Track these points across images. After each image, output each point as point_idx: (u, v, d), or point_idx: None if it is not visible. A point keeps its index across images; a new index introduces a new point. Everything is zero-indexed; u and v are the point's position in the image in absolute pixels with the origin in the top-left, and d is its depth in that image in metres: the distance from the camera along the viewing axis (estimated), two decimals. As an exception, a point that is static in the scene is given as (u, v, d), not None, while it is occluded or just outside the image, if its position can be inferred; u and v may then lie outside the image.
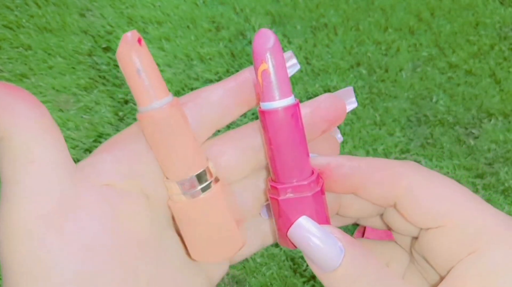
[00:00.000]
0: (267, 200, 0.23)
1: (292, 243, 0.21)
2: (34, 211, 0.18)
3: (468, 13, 0.87)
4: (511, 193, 0.70)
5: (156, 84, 0.19)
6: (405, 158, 0.74)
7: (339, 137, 0.25)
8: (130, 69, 0.19)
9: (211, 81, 0.79)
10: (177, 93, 0.77)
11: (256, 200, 0.23)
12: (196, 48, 0.81)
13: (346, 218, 0.24)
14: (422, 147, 0.74)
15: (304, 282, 0.64)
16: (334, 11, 0.86)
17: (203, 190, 0.20)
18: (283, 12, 0.86)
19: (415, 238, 0.22)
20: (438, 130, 0.76)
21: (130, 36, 0.19)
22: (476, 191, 0.70)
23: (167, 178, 0.20)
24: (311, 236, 0.20)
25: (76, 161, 0.19)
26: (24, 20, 0.82)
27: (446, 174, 0.72)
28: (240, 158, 0.22)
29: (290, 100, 0.20)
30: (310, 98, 0.82)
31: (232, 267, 0.64)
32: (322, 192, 0.21)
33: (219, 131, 0.23)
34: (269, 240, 0.24)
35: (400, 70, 0.81)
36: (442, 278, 0.20)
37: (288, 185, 0.21)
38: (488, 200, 0.70)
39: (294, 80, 0.79)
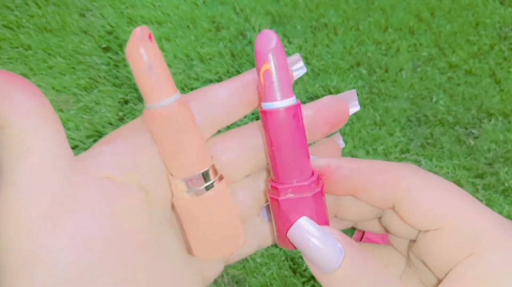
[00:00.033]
0: (267, 201, 0.23)
1: (291, 244, 0.21)
2: (30, 204, 0.18)
3: (468, 13, 0.87)
4: (511, 193, 0.70)
5: (165, 81, 0.19)
6: (405, 158, 0.74)
7: (341, 143, 0.25)
8: (140, 65, 0.18)
9: (211, 81, 0.79)
10: (177, 93, 0.77)
11: (255, 200, 0.23)
12: (196, 48, 0.81)
13: (344, 221, 0.24)
14: (422, 147, 0.74)
15: (304, 282, 0.64)
16: (334, 11, 0.86)
17: (208, 188, 0.20)
18: (283, 12, 0.86)
19: (413, 241, 0.22)
20: (438, 130, 0.76)
21: (140, 31, 0.18)
22: (476, 191, 0.70)
23: (171, 175, 0.20)
24: (311, 236, 0.20)
25: (76, 160, 0.19)
26: (24, 20, 0.82)
27: (446, 174, 0.72)
28: (241, 157, 0.22)
29: (291, 100, 0.20)
30: (310, 98, 0.81)
31: (232, 267, 0.64)
32: (322, 193, 0.21)
33: (219, 131, 0.23)
34: (267, 242, 0.24)
35: (400, 70, 0.81)
36: (439, 281, 0.20)
37: (288, 185, 0.21)
38: (488, 200, 0.70)
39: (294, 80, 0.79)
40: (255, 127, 0.22)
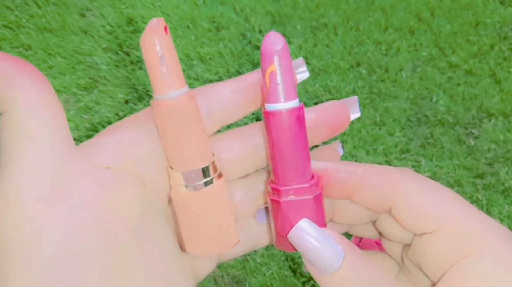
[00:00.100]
0: (265, 203, 0.23)
1: (290, 246, 0.21)
2: (29, 188, 0.18)
3: (468, 13, 0.87)
4: (511, 193, 0.70)
5: (175, 74, 0.19)
6: (405, 158, 0.74)
7: (340, 150, 0.25)
8: (153, 56, 0.19)
9: (211, 81, 0.79)
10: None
11: (251, 201, 0.23)
12: (196, 48, 0.81)
13: (339, 225, 0.25)
14: (422, 147, 0.74)
15: (304, 282, 0.64)
16: (334, 11, 0.86)
17: (206, 184, 0.20)
18: (283, 12, 0.86)
19: (407, 246, 0.22)
20: (438, 130, 0.76)
21: (156, 22, 0.19)
22: (476, 191, 0.70)
23: (171, 168, 0.20)
24: (312, 238, 0.20)
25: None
26: (24, 20, 0.82)
27: (446, 174, 0.72)
28: (241, 156, 0.22)
29: (295, 103, 0.21)
30: (310, 98, 0.81)
31: (232, 267, 0.64)
32: (322, 195, 0.22)
33: (219, 131, 0.23)
34: (260, 243, 0.24)
35: (400, 70, 0.81)
36: (433, 285, 0.20)
37: (289, 187, 0.21)
38: (488, 200, 0.70)
39: (294, 80, 0.79)
40: (257, 127, 0.23)
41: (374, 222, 0.24)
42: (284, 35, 0.83)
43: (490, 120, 0.77)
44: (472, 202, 0.69)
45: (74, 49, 0.80)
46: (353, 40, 0.83)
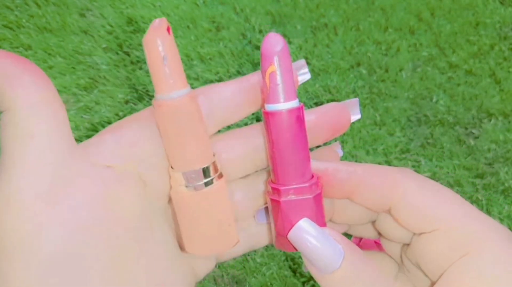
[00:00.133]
0: (265, 204, 0.23)
1: (290, 246, 0.21)
2: (29, 186, 0.18)
3: (468, 13, 0.87)
4: (511, 193, 0.70)
5: (177, 74, 0.19)
6: (405, 158, 0.74)
7: (340, 151, 0.25)
8: (155, 56, 0.19)
9: (211, 81, 0.79)
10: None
11: (251, 201, 0.23)
12: (196, 48, 0.81)
13: (339, 225, 0.25)
14: (422, 147, 0.74)
15: (304, 282, 0.64)
16: (334, 11, 0.86)
17: (207, 184, 0.20)
18: (283, 12, 0.86)
19: (406, 245, 0.22)
20: (438, 130, 0.76)
21: (158, 23, 0.19)
22: (476, 191, 0.70)
23: (172, 168, 0.21)
24: (312, 237, 0.20)
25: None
26: (24, 20, 0.82)
27: (446, 174, 0.72)
28: (241, 157, 0.22)
29: (294, 103, 0.21)
30: (310, 98, 0.81)
31: (232, 267, 0.64)
32: (322, 195, 0.22)
33: (219, 131, 0.23)
34: (260, 243, 0.24)
35: (400, 70, 0.81)
36: (433, 284, 0.20)
37: (289, 187, 0.21)
38: (488, 200, 0.70)
39: (294, 80, 0.79)
40: (257, 128, 0.23)
41: (373, 222, 0.24)
42: (284, 35, 0.83)
43: (490, 120, 0.77)
44: (472, 202, 0.69)
45: (74, 49, 0.80)
46: (353, 40, 0.83)
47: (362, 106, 0.77)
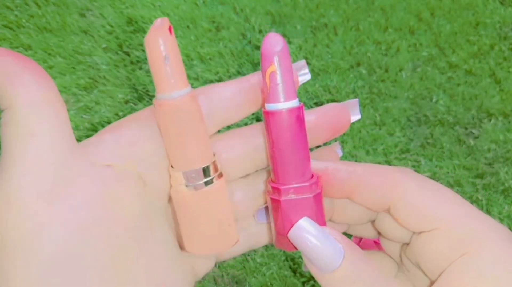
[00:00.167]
0: (265, 203, 0.23)
1: (291, 245, 0.21)
2: (30, 185, 0.18)
3: (468, 13, 0.87)
4: (511, 193, 0.70)
5: (178, 74, 0.19)
6: (405, 158, 0.74)
7: (339, 151, 0.25)
8: (157, 56, 0.19)
9: (211, 81, 0.79)
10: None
11: (251, 201, 0.23)
12: (196, 48, 0.81)
13: (338, 225, 0.25)
14: (422, 147, 0.74)
15: (304, 282, 0.64)
16: (334, 11, 0.86)
17: (207, 183, 0.21)
18: (283, 12, 0.86)
19: (406, 244, 0.22)
20: (438, 130, 0.76)
21: (160, 22, 0.19)
22: (476, 191, 0.70)
23: (172, 167, 0.21)
24: (312, 236, 0.20)
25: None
26: (24, 20, 0.82)
27: (446, 174, 0.72)
28: (241, 157, 0.22)
29: (294, 102, 0.21)
30: (310, 98, 0.81)
31: (232, 267, 0.64)
32: (322, 194, 0.22)
33: (219, 131, 0.23)
34: (259, 243, 0.24)
35: (400, 70, 0.81)
36: (432, 283, 0.20)
37: (290, 186, 0.21)
38: (488, 200, 0.70)
39: (294, 80, 0.79)
40: (257, 128, 0.23)
41: (373, 222, 0.24)
42: (284, 35, 0.84)
43: (490, 120, 0.77)
44: (472, 202, 0.69)
45: (74, 49, 0.80)
46: (353, 40, 0.83)
47: (362, 106, 0.77)
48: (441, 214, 0.20)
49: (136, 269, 0.19)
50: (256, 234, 0.24)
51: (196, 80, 0.79)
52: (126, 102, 0.76)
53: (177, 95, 0.19)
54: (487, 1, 0.88)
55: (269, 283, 0.63)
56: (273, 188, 0.22)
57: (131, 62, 0.79)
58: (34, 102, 0.18)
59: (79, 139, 0.20)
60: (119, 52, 0.80)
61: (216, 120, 0.22)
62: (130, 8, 0.85)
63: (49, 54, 0.79)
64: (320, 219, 0.21)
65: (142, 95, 0.77)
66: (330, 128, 0.23)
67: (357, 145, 0.74)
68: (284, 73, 0.21)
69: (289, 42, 0.83)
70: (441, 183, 0.21)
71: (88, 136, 0.20)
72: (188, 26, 0.83)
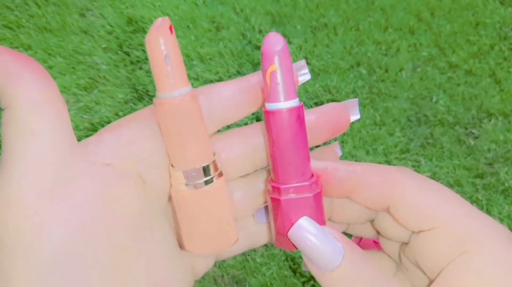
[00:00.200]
0: (264, 203, 0.23)
1: (291, 244, 0.21)
2: (31, 184, 0.18)
3: (468, 13, 0.87)
4: (511, 193, 0.70)
5: (179, 73, 0.19)
6: (405, 158, 0.74)
7: (339, 151, 0.25)
8: (157, 55, 0.19)
9: (211, 81, 0.79)
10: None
11: (251, 200, 0.23)
12: (196, 48, 0.81)
13: (338, 224, 0.25)
14: (422, 147, 0.74)
15: (304, 282, 0.64)
16: (334, 11, 0.86)
17: (207, 182, 0.21)
18: (283, 12, 0.86)
19: (405, 244, 0.22)
20: (438, 130, 0.76)
21: (161, 22, 0.19)
22: (476, 191, 0.71)
23: (172, 166, 0.21)
24: (312, 236, 0.20)
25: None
26: (24, 20, 0.82)
27: (446, 174, 0.72)
28: (241, 156, 0.22)
29: (294, 102, 0.21)
30: (310, 98, 0.81)
31: (232, 267, 0.64)
32: (321, 194, 0.22)
33: (218, 130, 0.23)
34: (259, 242, 0.24)
35: (400, 70, 0.81)
36: (431, 282, 0.20)
37: (290, 186, 0.21)
38: (488, 200, 0.70)
39: (294, 80, 0.79)
40: (257, 128, 0.23)
41: (372, 221, 0.24)
42: (284, 35, 0.84)
43: (490, 120, 0.77)
44: (472, 202, 0.69)
45: (74, 49, 0.80)
46: (353, 40, 0.83)
47: (362, 106, 0.77)
48: (440, 213, 0.20)
49: (136, 268, 0.20)
50: (255, 233, 0.24)
51: (196, 80, 0.79)
52: (126, 102, 0.76)
53: (178, 94, 0.19)
54: (487, 1, 0.88)
55: (269, 283, 0.63)
56: (273, 187, 0.22)
57: (131, 62, 0.79)
58: (35, 101, 0.18)
59: (79, 140, 0.20)
60: (119, 52, 0.80)
61: (216, 119, 0.22)
62: (130, 8, 0.85)
63: (49, 54, 0.79)
64: (320, 218, 0.21)
65: (142, 95, 0.77)
66: (330, 128, 0.23)
67: (357, 145, 0.74)
68: (284, 72, 0.21)
69: (289, 42, 0.83)
70: (441, 183, 0.21)
71: (88, 136, 0.20)
72: (188, 26, 0.83)
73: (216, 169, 0.21)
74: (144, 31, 0.83)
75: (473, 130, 0.76)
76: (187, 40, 0.82)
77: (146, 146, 0.20)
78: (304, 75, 0.24)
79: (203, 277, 0.64)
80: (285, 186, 0.21)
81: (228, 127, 0.24)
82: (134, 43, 0.81)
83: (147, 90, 0.77)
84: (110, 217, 0.19)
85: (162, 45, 0.19)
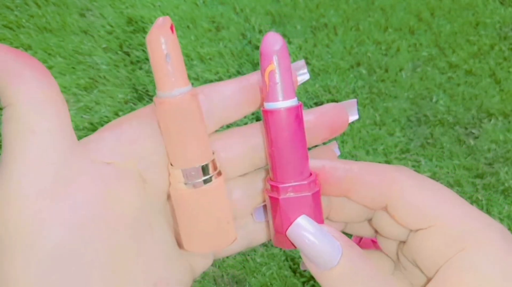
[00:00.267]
0: (263, 202, 0.23)
1: (290, 243, 0.21)
2: (31, 182, 0.18)
3: (468, 13, 0.87)
4: (511, 193, 0.70)
5: (179, 72, 0.19)
6: (405, 158, 0.74)
7: (337, 151, 0.25)
8: (158, 54, 0.19)
9: (211, 81, 0.79)
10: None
11: (249, 200, 0.23)
12: (196, 48, 0.81)
13: (336, 223, 0.25)
14: (422, 147, 0.74)
15: (304, 282, 0.64)
16: (334, 11, 0.86)
17: (206, 181, 0.21)
18: (283, 12, 0.86)
19: (402, 243, 0.22)
20: (438, 130, 0.76)
21: (162, 21, 0.19)
22: (476, 191, 0.70)
23: (171, 165, 0.21)
24: (310, 234, 0.20)
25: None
26: (24, 20, 0.82)
27: (446, 174, 0.72)
28: (240, 156, 0.22)
29: (293, 101, 0.21)
30: (310, 98, 0.81)
31: (232, 267, 0.64)
32: (320, 192, 0.22)
33: (217, 130, 0.23)
34: (257, 241, 0.24)
35: (400, 70, 0.81)
36: (429, 280, 0.20)
37: (288, 185, 0.21)
38: (488, 200, 0.70)
39: (294, 80, 0.79)
40: (256, 127, 0.23)
41: (369, 220, 0.24)
42: (284, 35, 0.84)
43: (490, 120, 0.77)
44: (472, 202, 0.69)
45: (74, 49, 0.80)
46: (353, 40, 0.83)
47: (362, 106, 0.77)
48: (438, 212, 0.20)
49: (135, 268, 0.20)
50: (253, 232, 0.24)
51: (196, 80, 0.79)
52: (126, 102, 0.76)
53: (178, 93, 0.19)
54: (487, 1, 0.88)
55: (269, 283, 0.63)
56: (271, 186, 0.22)
57: (131, 62, 0.79)
58: (35, 100, 0.18)
59: (78, 140, 0.20)
60: (119, 52, 0.80)
61: (215, 119, 0.22)
62: (130, 8, 0.85)
63: (49, 54, 0.79)
64: (318, 217, 0.21)
65: (142, 95, 0.77)
66: (328, 128, 0.23)
67: (357, 145, 0.74)
68: (283, 72, 0.21)
69: (289, 42, 0.83)
70: (441, 183, 0.21)
71: (88, 136, 0.21)
72: (188, 26, 0.83)
73: (215, 168, 0.21)
74: (144, 31, 0.83)
75: (473, 130, 0.76)
76: (187, 40, 0.82)
77: (147, 144, 0.20)
78: (303, 75, 0.24)
79: (203, 277, 0.64)
80: (283, 185, 0.21)
81: (228, 127, 0.24)
82: (134, 43, 0.81)
83: (147, 90, 0.77)
84: (110, 217, 0.19)
85: (163, 45, 0.19)
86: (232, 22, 0.84)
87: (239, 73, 0.80)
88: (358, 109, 0.24)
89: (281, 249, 0.66)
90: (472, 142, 0.75)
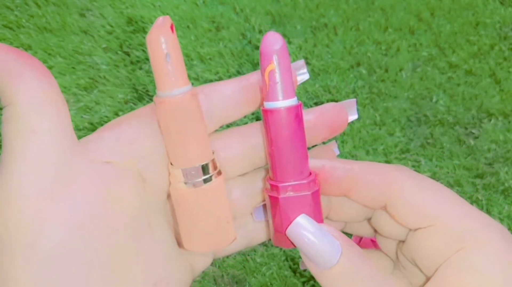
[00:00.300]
0: (262, 201, 0.23)
1: (289, 242, 0.21)
2: (31, 182, 0.18)
3: (468, 13, 0.87)
4: (511, 193, 0.70)
5: (179, 72, 0.20)
6: (405, 158, 0.74)
7: (336, 150, 0.25)
8: (158, 53, 0.19)
9: (211, 81, 0.79)
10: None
11: (249, 199, 0.23)
12: (196, 48, 0.81)
13: (335, 223, 0.25)
14: (422, 147, 0.74)
15: (304, 282, 0.64)
16: (334, 11, 0.86)
17: (206, 181, 0.21)
18: (283, 12, 0.86)
19: (402, 242, 0.22)
20: (438, 130, 0.76)
21: (162, 21, 0.19)
22: (476, 191, 0.70)
23: (171, 164, 0.21)
24: (310, 234, 0.20)
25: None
26: (24, 20, 0.82)
27: (446, 174, 0.72)
28: (240, 155, 0.22)
29: (293, 101, 0.21)
30: (310, 98, 0.81)
31: (232, 267, 0.64)
32: (319, 192, 0.22)
33: (217, 130, 0.23)
34: (257, 240, 0.24)
35: (400, 70, 0.81)
36: (428, 279, 0.20)
37: (288, 184, 0.21)
38: (488, 200, 0.70)
39: (294, 80, 0.79)
40: (256, 127, 0.23)
41: (369, 219, 0.24)
42: (284, 35, 0.84)
43: (490, 120, 0.77)
44: (472, 202, 0.69)
45: (74, 49, 0.80)
46: (353, 40, 0.83)
47: (362, 106, 0.77)
48: (438, 211, 0.20)
49: (135, 267, 0.20)
50: (253, 231, 0.24)
51: (196, 80, 0.79)
52: (126, 102, 0.77)
53: (178, 93, 0.20)
54: (487, 1, 0.88)
55: (269, 283, 0.63)
56: (271, 185, 0.22)
57: (131, 62, 0.80)
58: (36, 100, 0.18)
59: (78, 139, 0.20)
60: (119, 52, 0.80)
61: (215, 118, 0.22)
62: (130, 8, 0.85)
63: (49, 54, 0.79)
64: (318, 216, 0.22)
65: (142, 95, 0.77)
66: (328, 127, 0.23)
67: (357, 144, 0.74)
68: (283, 71, 0.21)
69: (289, 42, 0.83)
70: (441, 183, 0.21)
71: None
72: (188, 26, 0.83)
73: (215, 167, 0.21)
74: (144, 31, 0.83)
75: (473, 130, 0.76)
76: (187, 40, 0.82)
77: (146, 144, 0.20)
78: (303, 75, 0.24)
79: (203, 277, 0.64)
80: (283, 184, 0.21)
81: (228, 126, 0.24)
82: (134, 43, 0.81)
83: (147, 90, 0.77)
84: (110, 217, 0.19)
85: (163, 44, 0.19)
86: (232, 22, 0.84)
87: (239, 73, 0.80)
88: (358, 109, 0.24)
89: (281, 248, 0.66)
90: (472, 142, 0.75)
